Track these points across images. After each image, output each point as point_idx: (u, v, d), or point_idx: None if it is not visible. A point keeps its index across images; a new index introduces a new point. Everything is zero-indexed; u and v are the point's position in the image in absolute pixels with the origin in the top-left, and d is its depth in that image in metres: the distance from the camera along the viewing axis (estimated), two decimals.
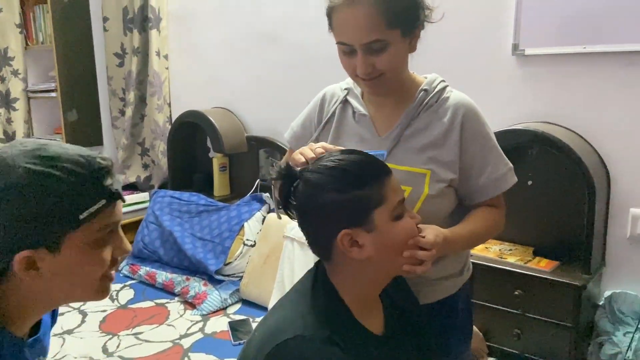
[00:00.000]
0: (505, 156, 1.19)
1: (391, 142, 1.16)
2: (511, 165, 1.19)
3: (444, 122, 1.14)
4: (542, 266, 1.77)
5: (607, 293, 1.81)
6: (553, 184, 1.89)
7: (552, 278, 1.71)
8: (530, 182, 1.93)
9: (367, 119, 1.20)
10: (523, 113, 1.93)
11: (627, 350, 1.64)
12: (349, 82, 1.26)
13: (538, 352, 1.76)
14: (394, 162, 1.15)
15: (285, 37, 2.55)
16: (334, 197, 0.91)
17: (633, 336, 1.65)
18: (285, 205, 1.00)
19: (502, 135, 1.76)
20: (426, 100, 1.16)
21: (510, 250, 1.92)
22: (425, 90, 1.17)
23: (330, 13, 1.10)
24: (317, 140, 1.26)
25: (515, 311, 1.78)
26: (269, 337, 0.89)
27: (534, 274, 1.74)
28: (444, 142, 1.14)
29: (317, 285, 0.98)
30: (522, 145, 1.88)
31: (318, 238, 0.96)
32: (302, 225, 0.98)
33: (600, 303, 1.82)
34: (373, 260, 0.93)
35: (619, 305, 1.76)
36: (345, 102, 1.24)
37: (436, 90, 1.17)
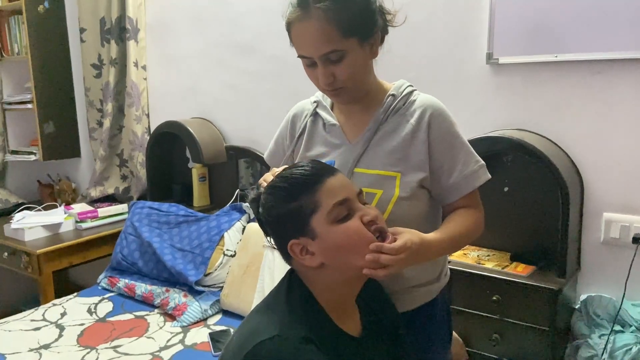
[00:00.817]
0: (476, 154, 1.21)
1: (361, 147, 1.18)
2: (482, 162, 1.20)
3: (412, 123, 1.16)
4: (519, 271, 1.80)
5: (582, 296, 1.85)
6: (528, 190, 1.92)
7: (529, 283, 1.74)
8: (506, 189, 1.96)
9: (337, 128, 1.23)
10: (498, 120, 1.97)
11: (603, 352, 1.67)
12: (317, 95, 1.29)
13: (517, 356, 1.78)
14: (364, 167, 1.18)
15: (262, 48, 2.56)
16: (276, 212, 0.99)
17: (608, 338, 1.68)
18: (259, 224, 1.09)
19: (477, 143, 1.79)
20: (394, 105, 1.18)
21: (488, 256, 1.94)
22: (393, 95, 1.19)
23: (288, 28, 1.13)
24: (291, 155, 1.30)
25: (493, 316, 1.80)
26: (247, 338, 0.91)
27: (511, 279, 1.76)
28: (412, 142, 1.16)
29: (292, 289, 1.01)
30: (497, 152, 1.91)
31: (279, 248, 1.03)
32: (267, 235, 1.07)
33: (577, 306, 1.86)
34: (326, 265, 0.97)
35: (594, 308, 1.79)
36: (315, 114, 1.27)
37: (403, 94, 1.20)
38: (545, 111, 1.88)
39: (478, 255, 1.94)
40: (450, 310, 1.36)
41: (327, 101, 1.27)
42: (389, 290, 1.20)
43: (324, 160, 1.14)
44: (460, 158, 1.17)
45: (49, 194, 3.45)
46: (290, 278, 1.04)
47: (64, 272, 3.22)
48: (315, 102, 1.28)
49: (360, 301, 1.09)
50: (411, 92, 1.20)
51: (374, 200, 1.16)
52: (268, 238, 1.08)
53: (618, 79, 1.74)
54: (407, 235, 0.99)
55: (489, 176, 1.20)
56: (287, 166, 1.08)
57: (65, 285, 3.18)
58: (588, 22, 1.75)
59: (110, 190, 3.19)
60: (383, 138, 1.18)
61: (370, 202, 1.13)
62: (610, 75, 1.76)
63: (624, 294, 1.73)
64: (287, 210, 0.97)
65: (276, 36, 2.49)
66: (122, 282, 2.48)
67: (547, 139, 1.88)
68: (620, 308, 1.72)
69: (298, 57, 1.14)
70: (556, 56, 1.82)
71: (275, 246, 1.06)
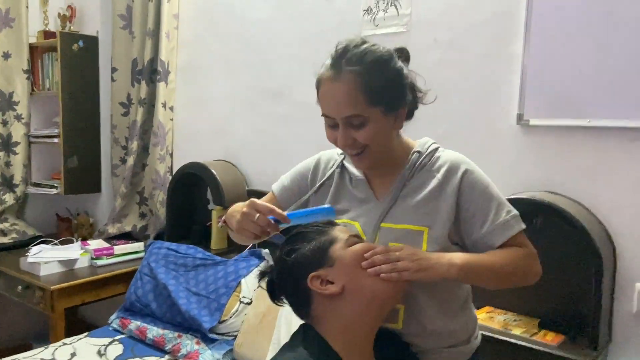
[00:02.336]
0: (509, 204, 1.19)
1: (388, 202, 1.18)
2: (516, 212, 1.19)
3: (438, 178, 1.17)
4: (549, 340, 1.73)
5: None
6: (559, 255, 1.87)
7: (560, 354, 1.66)
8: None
9: (363, 182, 1.23)
10: (527, 182, 1.94)
11: None
12: None
13: None
14: (391, 222, 1.17)
15: (291, 94, 2.59)
16: (296, 254, 1.08)
17: None
18: (271, 294, 1.17)
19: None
20: (420, 161, 1.19)
21: (515, 320, 1.87)
22: (419, 152, 1.21)
23: (318, 86, 1.16)
24: (309, 199, 1.30)
25: None
26: None
27: (541, 348, 1.69)
28: (440, 196, 1.15)
29: (307, 338, 1.04)
30: (526, 214, 1.86)
31: (296, 297, 1.08)
32: (284, 293, 1.13)
33: None
34: (346, 288, 1.02)
35: None
36: (342, 166, 1.28)
37: (429, 150, 1.21)
38: (577, 175, 1.85)
39: (505, 320, 1.87)
40: None
41: None
42: (419, 349, 1.17)
43: (348, 216, 1.21)
44: (492, 207, 1.16)
45: (66, 228, 3.44)
46: (305, 329, 1.07)
47: (75, 308, 3.18)
48: (342, 153, 1.28)
49: (379, 356, 1.09)
50: (436, 149, 1.22)
51: None
52: (278, 299, 1.14)
53: None
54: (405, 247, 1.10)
55: (523, 226, 1.19)
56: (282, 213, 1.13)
57: (75, 322, 3.13)
58: (624, 87, 1.73)
59: (128, 228, 3.18)
60: (409, 194, 1.18)
61: None
62: None
63: None
64: (308, 247, 1.07)
65: (305, 83, 2.49)
66: (134, 325, 2.43)
67: (579, 203, 1.84)
68: None
69: (322, 115, 1.16)
70: (589, 121, 1.81)
71: (288, 301, 1.13)
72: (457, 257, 1.10)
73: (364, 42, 1.13)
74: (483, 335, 1.74)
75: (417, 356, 1.17)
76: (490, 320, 1.87)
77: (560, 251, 1.86)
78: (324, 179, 1.28)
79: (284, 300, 1.15)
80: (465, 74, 2.07)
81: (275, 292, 1.15)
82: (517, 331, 1.79)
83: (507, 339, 1.74)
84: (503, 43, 1.96)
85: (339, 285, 1.02)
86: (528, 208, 1.81)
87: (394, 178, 1.20)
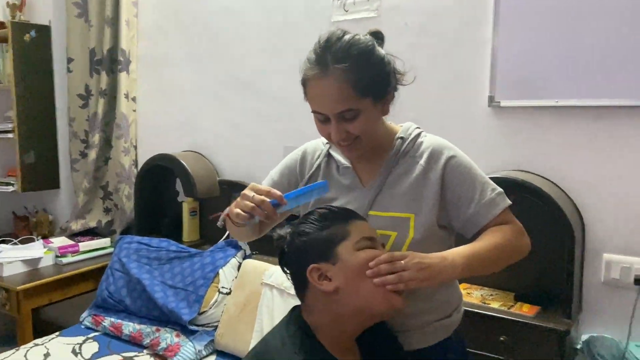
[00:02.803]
0: (492, 182, 1.23)
1: (374, 190, 1.20)
2: (500, 190, 1.22)
3: (421, 164, 1.19)
4: (525, 311, 1.81)
5: (584, 337, 1.86)
6: (531, 231, 1.93)
7: (537, 323, 1.74)
8: None
9: (350, 170, 1.25)
10: (500, 162, 2.01)
11: None
12: None
13: None
14: (379, 210, 1.19)
15: (260, 86, 2.57)
16: (307, 237, 1.07)
17: None
18: (280, 262, 1.15)
19: None
20: (403, 148, 1.22)
21: (492, 295, 1.95)
22: (402, 138, 1.23)
23: (304, 83, 1.16)
24: None
25: (500, 357, 1.79)
26: None
27: (519, 319, 1.77)
28: (424, 183, 1.18)
29: (291, 324, 1.06)
30: None
31: (296, 279, 1.08)
32: (286, 267, 1.13)
33: (578, 347, 1.87)
34: (340, 290, 1.01)
35: (597, 349, 1.80)
36: (328, 155, 1.29)
37: (412, 136, 1.23)
38: (547, 154, 1.93)
39: (482, 295, 1.95)
40: (466, 351, 1.35)
41: None
42: (403, 328, 1.20)
43: (336, 205, 1.20)
44: (477, 187, 1.19)
45: (24, 227, 3.30)
46: (291, 315, 1.08)
47: (40, 309, 3.06)
48: (327, 142, 1.29)
49: (362, 342, 1.10)
50: (419, 134, 1.24)
51: (389, 242, 1.17)
52: (285, 269, 1.13)
53: (620, 126, 1.81)
54: (408, 254, 1.06)
55: (509, 202, 1.22)
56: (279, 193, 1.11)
57: (40, 324, 3.02)
58: (589, 69, 1.82)
59: (92, 224, 3.08)
60: (395, 181, 1.20)
61: (385, 245, 1.16)
62: (613, 122, 1.82)
63: (629, 335, 1.76)
64: (319, 235, 1.06)
65: (275, 75, 2.50)
66: (108, 321, 2.37)
67: (549, 180, 1.92)
68: (626, 349, 1.74)
69: (312, 112, 1.16)
70: (557, 101, 1.89)
71: (289, 277, 1.12)
72: (458, 255, 1.09)
73: (345, 34, 1.13)
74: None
75: (399, 336, 1.20)
76: (468, 295, 1.94)
77: (533, 227, 1.92)
78: (312, 170, 1.29)
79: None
80: (436, 59, 2.11)
81: (283, 263, 1.14)
82: (494, 304, 1.86)
83: (487, 312, 1.81)
84: (473, 27, 2.02)
85: (334, 285, 1.02)
86: (501, 187, 1.86)
87: (380, 165, 1.22)
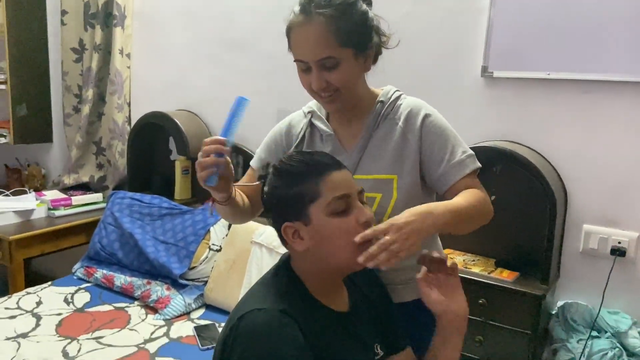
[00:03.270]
0: (465, 144, 1.24)
1: (357, 154, 1.24)
2: (471, 152, 1.23)
3: (400, 126, 1.22)
4: (505, 276, 1.88)
5: (560, 303, 1.95)
6: (515, 200, 2.01)
7: (514, 288, 1.82)
8: (494, 198, 2.04)
9: (332, 137, 1.27)
10: (489, 132, 2.05)
11: (581, 356, 1.77)
12: (311, 105, 1.33)
13: (498, 358, 1.85)
14: (362, 173, 1.23)
15: (254, 46, 2.57)
16: (278, 194, 1.03)
17: (586, 343, 1.78)
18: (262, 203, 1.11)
19: None
20: (383, 111, 1.24)
21: (474, 261, 2.02)
22: (382, 101, 1.25)
23: (288, 33, 1.18)
24: None
25: (478, 319, 1.87)
26: (233, 314, 0.99)
27: (497, 283, 1.84)
28: (404, 144, 1.22)
29: (279, 271, 1.07)
30: (487, 161, 1.99)
31: (276, 230, 1.07)
32: (268, 216, 1.10)
33: (554, 312, 1.95)
34: (312, 252, 1.01)
35: (571, 314, 1.89)
36: (311, 125, 1.31)
37: (391, 99, 1.26)
38: (536, 125, 1.98)
39: (464, 260, 2.01)
40: None
41: (322, 112, 1.31)
42: (387, 282, 1.25)
43: None
44: (448, 148, 1.21)
45: (16, 179, 3.32)
46: (280, 264, 1.09)
47: (31, 260, 3.11)
48: (309, 112, 1.32)
49: (348, 280, 1.14)
50: (398, 97, 1.27)
51: (374, 204, 1.21)
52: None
53: (605, 100, 1.86)
54: (390, 220, 1.01)
55: (479, 164, 1.24)
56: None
57: (31, 276, 3.07)
58: (580, 43, 1.85)
59: (85, 179, 3.10)
60: (377, 144, 1.23)
61: (371, 207, 1.17)
62: (598, 96, 1.86)
63: (602, 302, 1.84)
64: (289, 194, 1.01)
65: (269, 34, 2.50)
66: (100, 273, 2.43)
67: (536, 151, 1.97)
68: (598, 315, 1.82)
69: (295, 61, 1.18)
70: (548, 74, 1.92)
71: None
72: (444, 210, 1.09)
73: None
74: None
75: (385, 285, 1.25)
76: (451, 260, 2.00)
77: (517, 196, 2.01)
78: (297, 142, 1.31)
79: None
80: (432, 27, 2.12)
81: (266, 211, 1.11)
82: (475, 269, 1.93)
83: (467, 276, 1.88)
84: None
85: (306, 246, 1.01)
86: (489, 156, 1.93)
87: (361, 129, 1.25)
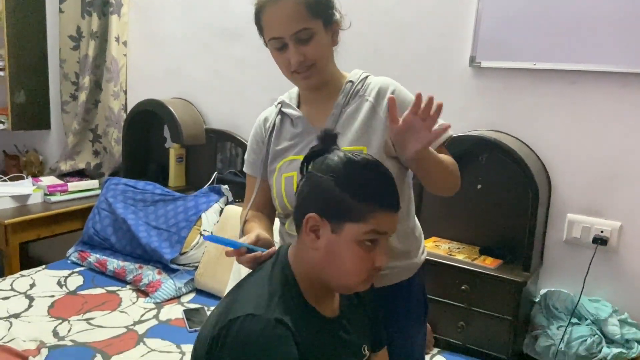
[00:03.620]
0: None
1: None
2: (447, 123, 1.22)
3: (370, 101, 1.25)
4: (488, 264, 1.91)
5: (542, 290, 1.97)
6: (500, 189, 2.03)
7: (496, 275, 1.85)
8: (479, 186, 2.07)
9: (302, 119, 1.29)
10: (476, 121, 2.07)
11: (560, 342, 1.80)
12: (281, 97, 1.36)
13: (480, 344, 1.89)
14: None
15: (248, 34, 2.57)
16: (331, 186, 0.96)
17: (565, 329, 1.81)
18: (302, 165, 1.06)
19: (454, 141, 1.85)
20: (352, 89, 1.28)
21: (459, 248, 2.05)
22: (351, 81, 1.29)
23: (258, 14, 1.22)
24: (267, 155, 1.32)
25: (461, 305, 1.90)
26: (224, 313, 0.96)
27: (479, 270, 1.87)
28: (373, 117, 1.24)
29: (276, 266, 1.04)
30: (473, 151, 2.02)
31: (299, 210, 1.01)
32: (298, 191, 1.04)
33: (537, 300, 1.98)
34: (317, 258, 0.98)
35: (553, 301, 1.92)
36: (281, 114, 1.34)
37: (360, 79, 1.29)
38: (522, 115, 1.99)
39: (449, 248, 2.04)
40: (426, 292, 1.44)
41: (291, 100, 1.34)
42: None
43: (293, 153, 1.25)
44: None
45: (14, 165, 3.36)
46: (278, 254, 1.07)
47: (26, 245, 3.16)
48: (279, 103, 1.35)
49: None
50: (367, 77, 1.30)
51: None
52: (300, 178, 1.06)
53: (589, 90, 1.87)
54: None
55: (450, 133, 1.25)
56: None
57: (29, 260, 3.12)
58: (566, 34, 1.86)
59: (82, 165, 3.14)
60: (347, 119, 1.26)
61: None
62: (583, 86, 1.88)
63: (582, 289, 1.86)
64: (341, 195, 0.95)
65: None
66: (93, 257, 2.47)
67: (521, 141, 1.99)
68: (578, 302, 1.85)
69: (268, 41, 1.22)
70: (535, 64, 1.94)
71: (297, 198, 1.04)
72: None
73: None
74: (430, 261, 1.91)
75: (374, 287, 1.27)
76: (437, 248, 2.04)
77: (502, 185, 2.03)
78: (269, 131, 1.33)
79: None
80: (421, 17, 2.14)
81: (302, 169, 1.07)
82: (460, 257, 1.96)
83: (451, 263, 1.91)
84: None
85: (317, 246, 0.97)
86: (475, 145, 1.96)
87: (331, 107, 1.28)
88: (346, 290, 1.02)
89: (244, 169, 1.42)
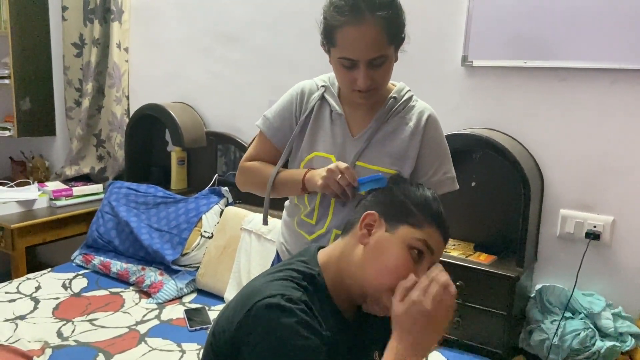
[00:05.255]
0: (451, 164, 1.36)
1: (363, 143, 1.28)
2: (453, 174, 1.36)
3: (410, 127, 1.28)
4: (482, 260, 1.93)
5: (537, 286, 1.99)
6: (494, 186, 2.06)
7: (490, 270, 1.87)
8: (473, 184, 2.09)
9: (342, 119, 1.31)
10: (470, 120, 2.10)
11: (554, 336, 1.82)
12: (324, 79, 1.36)
13: (475, 339, 1.91)
14: (366, 162, 1.28)
15: (246, 38, 2.63)
16: (398, 195, 1.01)
17: (559, 324, 1.83)
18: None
19: (449, 139, 1.88)
20: (395, 107, 1.30)
21: (454, 245, 2.07)
22: (395, 97, 1.30)
23: (334, 28, 1.18)
24: (298, 134, 1.33)
25: (456, 301, 1.92)
26: (250, 295, 0.92)
27: (474, 266, 1.90)
28: (410, 143, 1.28)
29: (302, 263, 1.01)
30: (467, 148, 2.04)
31: (359, 211, 1.04)
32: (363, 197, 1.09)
33: (532, 295, 2.00)
34: (360, 255, 0.98)
35: (547, 296, 1.94)
36: (322, 99, 1.33)
37: (404, 98, 1.31)
38: (514, 113, 2.02)
39: None
40: None
41: (333, 86, 1.34)
42: None
43: (324, 149, 1.30)
44: (445, 162, 1.33)
45: (21, 171, 3.42)
46: (304, 254, 1.05)
47: (34, 249, 3.22)
48: (323, 86, 1.34)
49: None
50: (410, 98, 1.33)
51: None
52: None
53: (580, 87, 1.90)
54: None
55: (456, 186, 1.35)
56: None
57: (34, 264, 3.18)
58: (556, 32, 1.89)
59: (86, 170, 3.20)
60: (384, 137, 1.29)
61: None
62: (574, 83, 1.90)
63: (575, 284, 1.88)
64: (407, 204, 0.99)
65: (261, 27, 2.56)
66: (97, 260, 2.52)
67: (514, 138, 2.02)
68: (571, 297, 1.87)
69: (339, 58, 1.19)
70: (525, 62, 1.96)
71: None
72: None
73: None
74: None
75: None
76: None
77: (496, 182, 2.06)
78: (307, 112, 1.33)
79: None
80: (413, 17, 2.15)
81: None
82: (454, 253, 1.99)
83: (446, 259, 1.93)
84: None
85: (367, 241, 0.98)
86: (468, 143, 1.99)
87: (370, 118, 1.30)
88: (372, 294, 0.97)
89: (260, 124, 1.39)
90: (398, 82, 1.35)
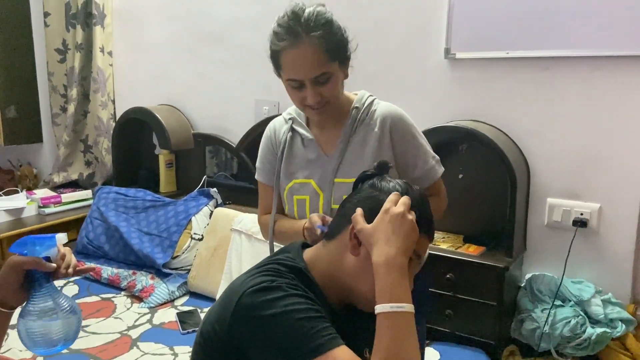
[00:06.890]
0: (431, 150, 1.37)
1: (337, 159, 1.32)
2: (438, 157, 1.37)
3: (376, 132, 1.31)
4: (471, 251, 1.94)
5: (527, 275, 2.00)
6: (481, 177, 2.06)
7: (479, 261, 1.88)
8: (460, 176, 2.10)
9: (313, 142, 1.35)
10: (454, 112, 2.10)
11: (545, 324, 1.83)
12: (290, 111, 1.40)
13: (468, 330, 1.92)
14: (343, 177, 1.30)
15: (230, 37, 2.62)
16: (382, 200, 0.97)
17: (549, 312, 1.84)
18: (354, 185, 1.08)
19: (434, 132, 1.92)
20: (359, 116, 1.33)
21: (443, 238, 2.08)
22: (357, 107, 1.33)
23: (277, 55, 1.24)
24: (279, 170, 1.37)
25: (447, 293, 1.93)
26: (235, 290, 0.91)
27: (463, 258, 1.90)
28: (380, 148, 1.30)
29: (291, 251, 1.03)
30: (453, 141, 2.05)
31: (344, 217, 1.02)
32: (345, 201, 1.06)
33: (522, 284, 2.01)
34: (353, 265, 0.97)
35: (537, 285, 1.95)
36: (292, 130, 1.38)
37: (365, 105, 1.34)
38: (498, 104, 2.02)
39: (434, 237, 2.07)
40: (429, 289, 1.48)
41: (301, 118, 1.38)
42: None
43: (303, 175, 1.33)
44: (420, 156, 1.34)
45: (9, 180, 3.40)
46: (286, 251, 1.05)
47: None
48: (290, 118, 1.39)
49: None
50: (372, 102, 1.35)
51: None
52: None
53: (563, 76, 1.90)
54: None
55: (443, 169, 1.38)
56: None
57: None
58: (537, 22, 1.89)
59: (74, 176, 3.18)
60: (355, 149, 1.31)
61: None
62: (557, 72, 1.91)
63: (564, 271, 1.89)
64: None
65: (244, 26, 2.55)
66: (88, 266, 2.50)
67: (499, 129, 2.02)
68: (560, 285, 1.88)
69: (287, 80, 1.24)
70: (507, 52, 1.96)
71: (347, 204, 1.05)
72: None
73: (305, 6, 1.22)
74: None
75: None
76: None
77: (482, 173, 2.06)
78: (281, 146, 1.38)
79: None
80: (396, 12, 2.17)
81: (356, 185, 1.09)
82: (444, 246, 1.99)
83: (435, 252, 1.94)
84: None
85: (356, 253, 0.97)
86: (454, 135, 1.99)
87: (339, 134, 1.33)
88: (367, 303, 0.96)
89: (257, 177, 1.45)
90: (359, 91, 1.37)
